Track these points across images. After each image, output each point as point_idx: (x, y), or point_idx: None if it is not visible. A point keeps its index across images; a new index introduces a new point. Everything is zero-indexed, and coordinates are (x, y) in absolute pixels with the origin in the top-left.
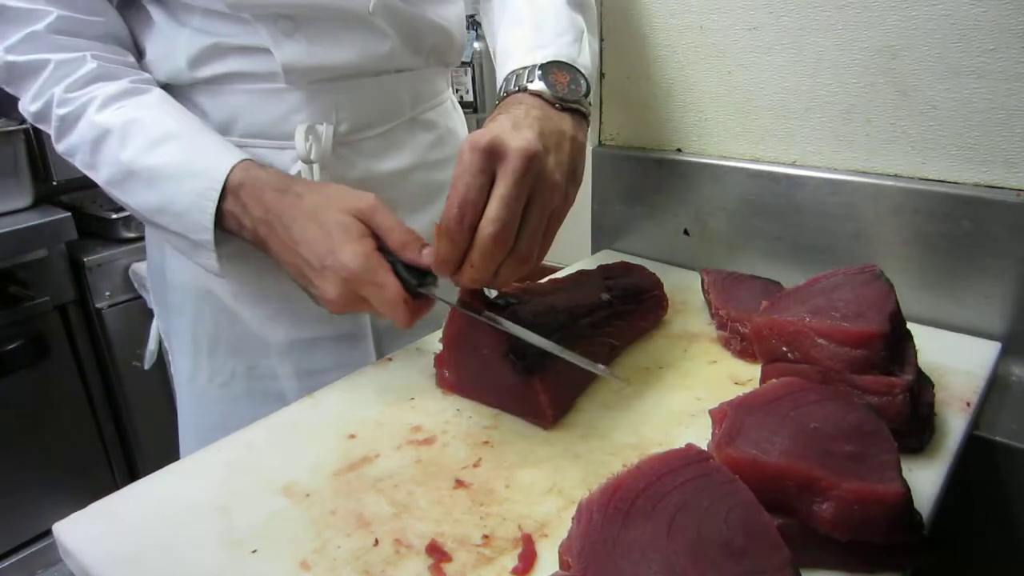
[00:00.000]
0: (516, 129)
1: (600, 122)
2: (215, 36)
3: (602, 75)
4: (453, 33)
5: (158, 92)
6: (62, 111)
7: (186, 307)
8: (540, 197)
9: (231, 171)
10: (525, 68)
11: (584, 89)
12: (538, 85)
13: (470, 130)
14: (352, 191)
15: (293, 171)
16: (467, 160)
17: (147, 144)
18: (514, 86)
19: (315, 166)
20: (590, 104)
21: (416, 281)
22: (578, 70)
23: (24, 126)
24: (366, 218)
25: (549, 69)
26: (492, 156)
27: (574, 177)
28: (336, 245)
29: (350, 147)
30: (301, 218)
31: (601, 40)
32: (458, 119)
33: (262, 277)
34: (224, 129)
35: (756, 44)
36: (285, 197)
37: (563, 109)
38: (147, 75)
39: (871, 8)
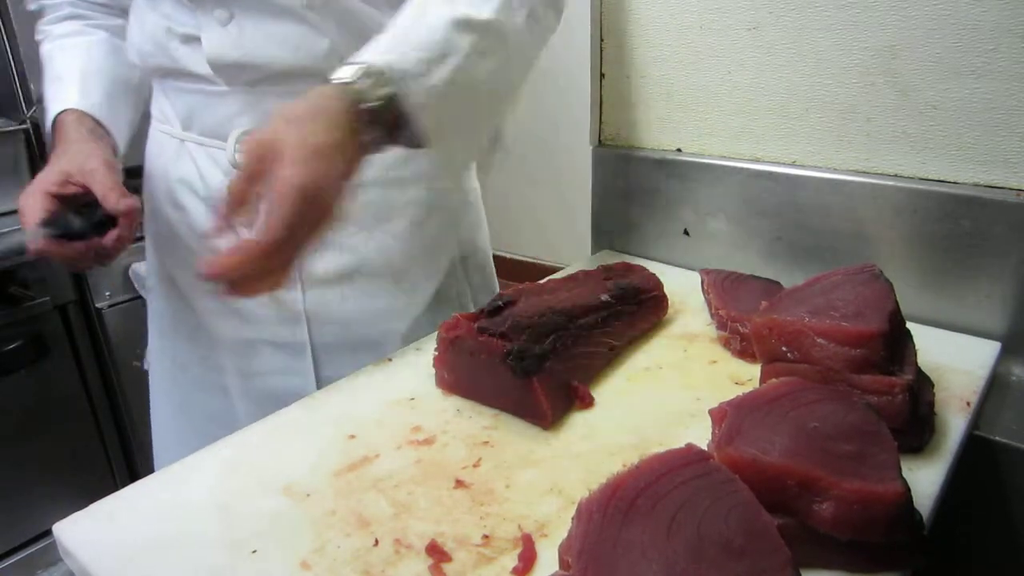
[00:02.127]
0: (300, 125)
1: (600, 122)
2: (167, 29)
3: (602, 75)
4: None
5: (83, 39)
6: (38, 38)
7: (158, 289)
8: (303, 218)
9: (57, 115)
10: (357, 65)
11: (382, 93)
12: (345, 73)
13: None
14: (96, 152)
15: (232, 174)
16: (246, 154)
17: (47, 80)
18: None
19: None
20: (405, 114)
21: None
22: (394, 82)
23: (24, 126)
24: (82, 175)
25: (369, 73)
26: (267, 157)
27: (315, 154)
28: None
29: None
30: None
31: (601, 40)
32: None
33: None
34: (186, 125)
35: (756, 44)
36: (59, 145)
37: (365, 109)
38: (107, 24)
39: (871, 8)
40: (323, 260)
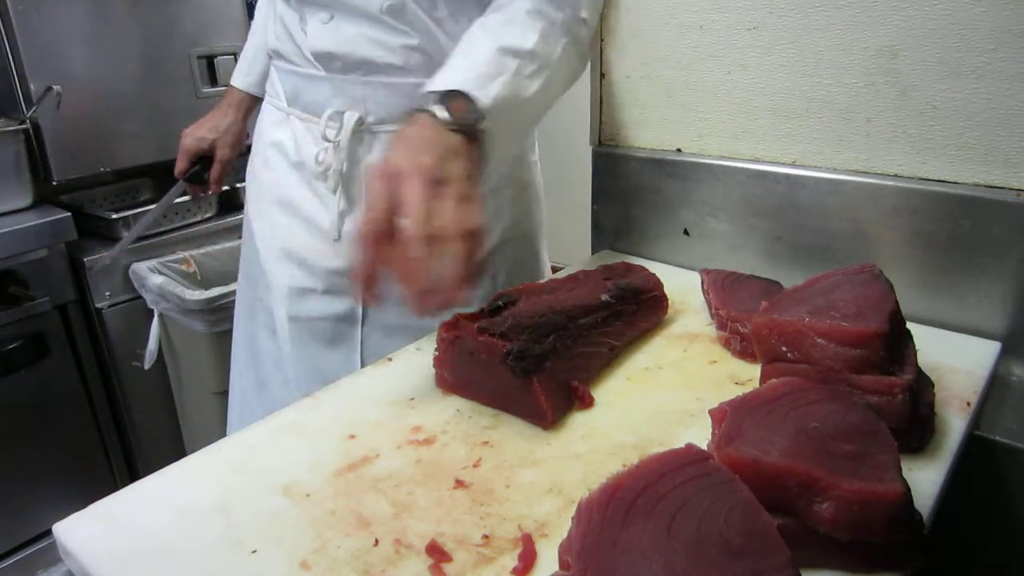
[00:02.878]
0: (414, 153)
1: (600, 122)
2: (287, 19)
3: (602, 75)
4: None
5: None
6: None
7: (245, 237)
8: (442, 207)
9: (229, 86)
10: (432, 93)
11: (473, 118)
12: (436, 110)
13: None
14: (232, 143)
15: (323, 145)
16: (372, 185)
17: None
18: (419, 106)
19: (337, 145)
20: (483, 131)
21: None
22: (474, 101)
23: (24, 126)
24: (217, 152)
25: (451, 96)
26: (392, 179)
27: (471, 187)
28: (196, 126)
29: (376, 136)
30: (212, 117)
31: (601, 40)
32: None
33: (282, 223)
34: (291, 101)
35: (756, 44)
36: (225, 110)
37: (455, 131)
38: None
39: (871, 8)
40: None
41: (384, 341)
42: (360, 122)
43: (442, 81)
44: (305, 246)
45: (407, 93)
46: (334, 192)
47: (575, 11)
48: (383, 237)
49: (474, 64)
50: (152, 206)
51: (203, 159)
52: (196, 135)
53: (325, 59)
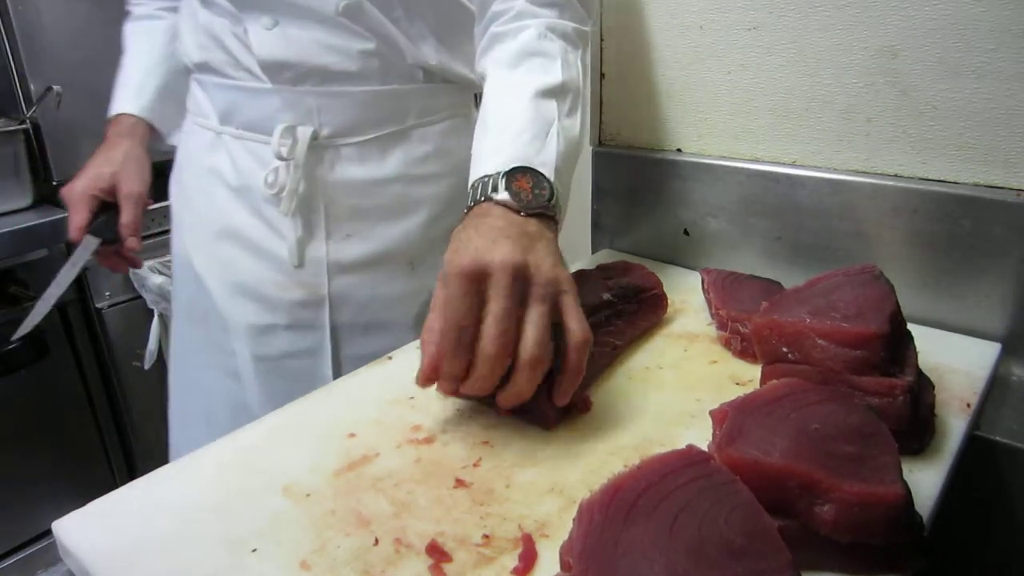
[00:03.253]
0: (493, 243)
1: (600, 122)
2: (217, 27)
3: (602, 75)
4: (444, 49)
5: (151, 24)
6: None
7: (178, 273)
8: (535, 300)
9: (115, 115)
10: (489, 177)
11: (548, 193)
12: (503, 195)
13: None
14: (138, 172)
15: (272, 165)
16: (453, 284)
17: (122, 64)
18: (480, 195)
19: (290, 164)
20: (556, 207)
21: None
22: (539, 172)
23: (24, 126)
24: (121, 198)
25: (512, 176)
26: (476, 277)
27: (557, 267)
28: (77, 178)
29: (331, 151)
30: (97, 158)
31: (601, 40)
32: (463, 139)
33: (231, 258)
34: (225, 119)
35: (756, 44)
36: (112, 149)
37: (529, 215)
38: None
39: (871, 8)
40: (349, 250)
41: (353, 340)
42: (315, 136)
43: (496, 160)
44: (261, 280)
45: (363, 102)
46: (289, 215)
47: (582, 18)
48: (459, 345)
49: (518, 126)
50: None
51: (106, 206)
52: (88, 176)
53: (273, 69)
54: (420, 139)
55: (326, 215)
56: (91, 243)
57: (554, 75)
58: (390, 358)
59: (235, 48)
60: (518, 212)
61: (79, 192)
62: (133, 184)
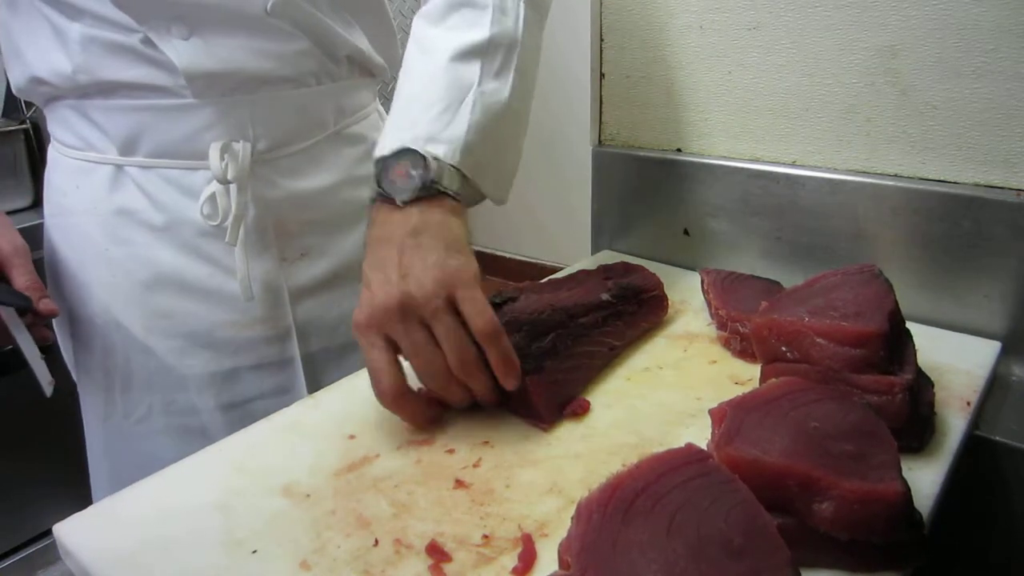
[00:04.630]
0: (372, 275)
1: (600, 122)
2: (101, 43)
3: (602, 75)
4: (368, 39)
5: None
6: None
7: (94, 341)
8: (429, 320)
9: None
10: (379, 162)
11: (426, 173)
12: (379, 190)
13: None
14: (3, 226)
15: (207, 192)
16: (365, 343)
17: None
18: (372, 191)
19: (232, 187)
20: (442, 185)
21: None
22: (417, 152)
23: (24, 126)
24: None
25: (393, 163)
26: (378, 327)
27: (454, 253)
28: None
29: (270, 165)
30: None
31: (601, 40)
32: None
33: (173, 308)
34: (127, 149)
35: (756, 44)
36: None
37: (407, 203)
38: None
39: (871, 8)
40: (308, 270)
41: (327, 368)
42: (252, 152)
43: (390, 141)
44: (214, 324)
45: (300, 107)
46: (234, 244)
47: None
48: (403, 392)
49: (428, 97)
50: None
51: None
52: None
53: (202, 82)
54: (353, 139)
55: (276, 237)
56: (10, 316)
57: (480, 30)
58: None
59: (134, 66)
60: (397, 204)
61: None
62: (9, 237)
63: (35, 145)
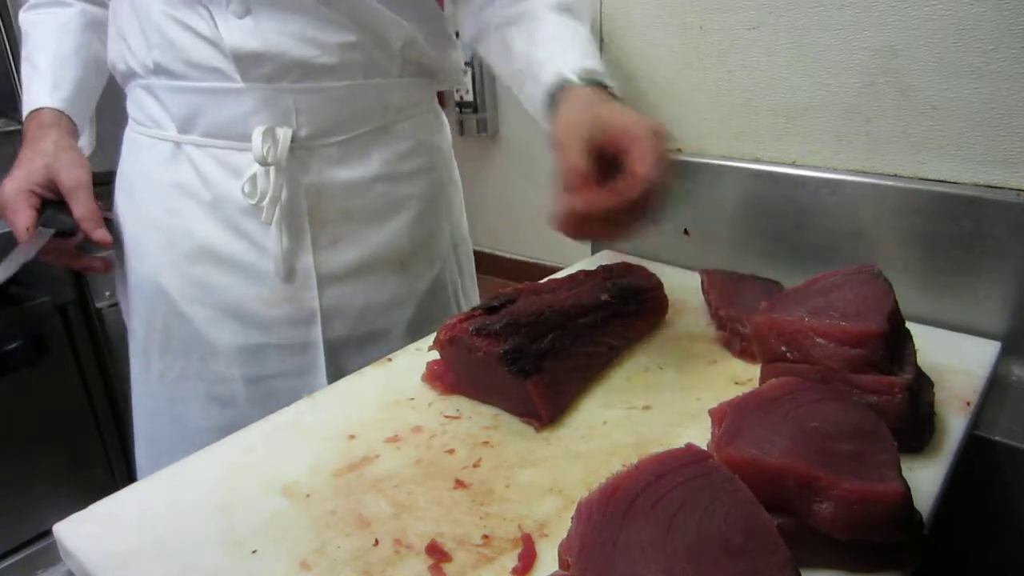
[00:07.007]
0: (630, 112)
1: None
2: (175, 21)
3: None
4: (422, 38)
5: (57, 12)
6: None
7: (140, 305)
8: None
9: (34, 110)
10: (594, 70)
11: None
12: (610, 83)
13: (455, 140)
14: (75, 161)
15: (249, 172)
16: (651, 145)
17: (23, 55)
18: (591, 81)
19: (271, 169)
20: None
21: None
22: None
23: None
24: (66, 193)
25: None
26: (656, 138)
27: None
28: (7, 179)
29: (310, 152)
30: (23, 156)
31: (601, 40)
32: (441, 131)
33: (210, 278)
34: (185, 127)
35: (757, 44)
36: (40, 142)
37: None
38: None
39: (871, 8)
40: (338, 257)
41: (349, 354)
42: (293, 138)
43: (584, 60)
44: (245, 298)
45: (343, 99)
46: (272, 224)
47: None
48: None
49: (586, 44)
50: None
51: (46, 203)
52: (18, 175)
53: (247, 64)
54: (400, 135)
55: (311, 222)
56: (43, 235)
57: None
58: (391, 359)
59: (198, 46)
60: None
61: (13, 192)
62: (74, 173)
63: None
